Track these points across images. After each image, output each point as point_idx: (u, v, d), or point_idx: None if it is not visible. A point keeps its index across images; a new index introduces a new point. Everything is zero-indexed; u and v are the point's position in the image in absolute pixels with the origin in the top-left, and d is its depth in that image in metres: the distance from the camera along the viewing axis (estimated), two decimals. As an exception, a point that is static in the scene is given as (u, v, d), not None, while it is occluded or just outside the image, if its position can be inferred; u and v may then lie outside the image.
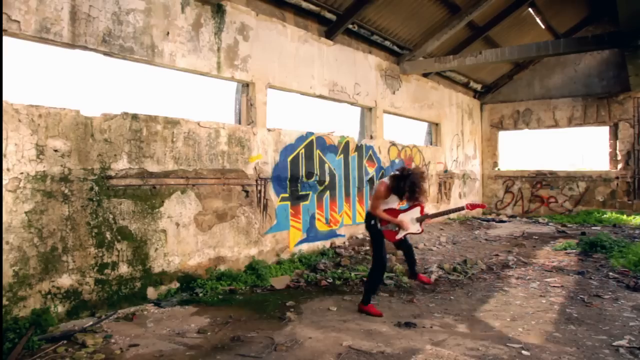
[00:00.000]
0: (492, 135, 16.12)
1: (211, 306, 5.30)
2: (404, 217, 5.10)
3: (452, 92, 13.97)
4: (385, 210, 5.04)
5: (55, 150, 4.70)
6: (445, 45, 11.59)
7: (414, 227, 5.17)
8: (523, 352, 3.91)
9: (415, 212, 5.17)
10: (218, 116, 6.85)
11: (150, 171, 5.58)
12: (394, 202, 5.07)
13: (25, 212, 4.46)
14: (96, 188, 5.03)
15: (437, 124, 13.27)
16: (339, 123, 9.82)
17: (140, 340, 4.28)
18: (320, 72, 8.54)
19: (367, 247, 8.43)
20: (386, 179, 5.03)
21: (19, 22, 4.47)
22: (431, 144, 13.24)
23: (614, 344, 4.09)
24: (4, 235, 4.28)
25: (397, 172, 4.92)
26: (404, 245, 5.37)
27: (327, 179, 8.58)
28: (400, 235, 5.15)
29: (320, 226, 8.39)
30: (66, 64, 5.32)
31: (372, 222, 5.07)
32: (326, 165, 8.57)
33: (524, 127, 15.51)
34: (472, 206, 5.42)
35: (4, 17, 4.35)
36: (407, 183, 4.77)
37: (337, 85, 8.97)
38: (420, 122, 12.86)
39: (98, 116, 5.10)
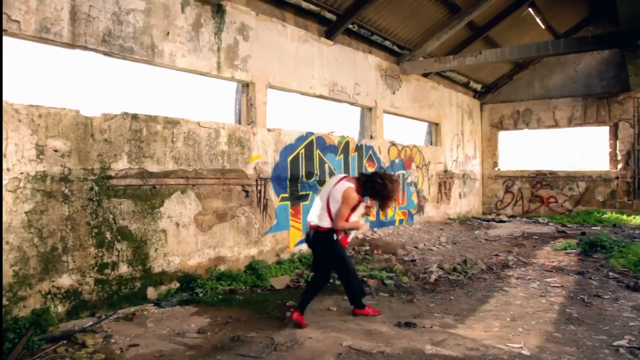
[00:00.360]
0: (492, 135, 16.12)
1: (211, 306, 5.30)
2: (355, 218, 4.71)
3: (452, 92, 13.97)
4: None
5: (55, 150, 4.70)
6: (445, 45, 11.59)
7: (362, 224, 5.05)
8: (523, 352, 3.91)
9: (361, 208, 4.73)
10: (218, 116, 6.86)
11: (150, 171, 5.58)
12: None
13: (25, 212, 4.46)
14: (96, 188, 5.03)
15: (437, 124, 13.26)
16: (339, 123, 9.84)
17: (140, 340, 4.28)
18: (320, 72, 8.54)
19: (367, 247, 8.43)
20: (349, 183, 4.55)
21: (19, 22, 4.47)
22: (431, 144, 13.24)
23: (614, 344, 4.09)
24: (4, 235, 4.28)
25: (376, 177, 4.54)
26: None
27: (327, 179, 8.58)
28: (350, 238, 5.02)
29: (320, 226, 8.37)
30: (66, 64, 5.32)
31: (334, 237, 4.57)
32: (326, 165, 8.57)
33: (524, 127, 15.51)
34: None
35: (4, 17, 4.35)
36: (391, 192, 4.51)
37: (337, 85, 8.97)
38: (420, 122, 12.86)
39: (98, 116, 5.10)
